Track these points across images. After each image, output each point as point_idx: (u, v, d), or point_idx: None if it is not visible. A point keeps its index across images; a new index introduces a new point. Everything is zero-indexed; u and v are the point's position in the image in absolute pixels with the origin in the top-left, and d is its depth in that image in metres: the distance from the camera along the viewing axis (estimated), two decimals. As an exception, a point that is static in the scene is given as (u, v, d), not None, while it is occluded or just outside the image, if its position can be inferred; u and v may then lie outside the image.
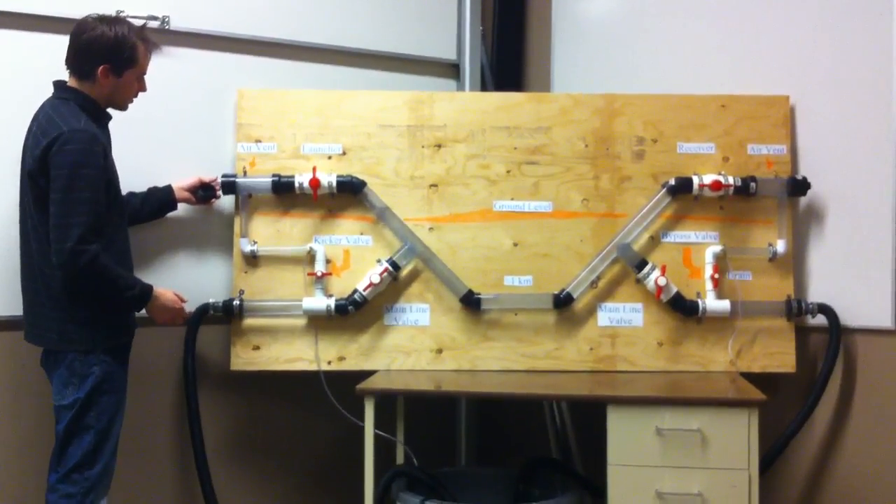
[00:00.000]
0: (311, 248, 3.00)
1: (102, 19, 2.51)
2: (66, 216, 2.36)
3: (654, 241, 3.04)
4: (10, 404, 2.80)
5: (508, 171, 3.09)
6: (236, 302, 2.96)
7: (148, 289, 2.58)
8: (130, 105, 2.64)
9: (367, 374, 2.89)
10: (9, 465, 2.79)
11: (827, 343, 2.90)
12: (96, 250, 2.39)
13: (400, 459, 3.11)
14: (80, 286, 2.44)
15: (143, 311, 2.63)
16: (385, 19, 3.46)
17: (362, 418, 2.68)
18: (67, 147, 2.38)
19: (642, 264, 2.97)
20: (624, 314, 3.02)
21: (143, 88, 2.63)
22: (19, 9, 2.78)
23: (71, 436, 2.47)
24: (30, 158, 2.44)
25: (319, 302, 2.96)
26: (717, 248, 2.99)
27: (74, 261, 2.36)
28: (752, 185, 2.97)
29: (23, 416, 2.81)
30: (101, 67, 2.48)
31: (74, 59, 2.51)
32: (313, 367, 2.96)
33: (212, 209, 3.08)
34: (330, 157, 3.08)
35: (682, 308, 2.97)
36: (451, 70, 3.64)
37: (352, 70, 3.37)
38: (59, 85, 2.55)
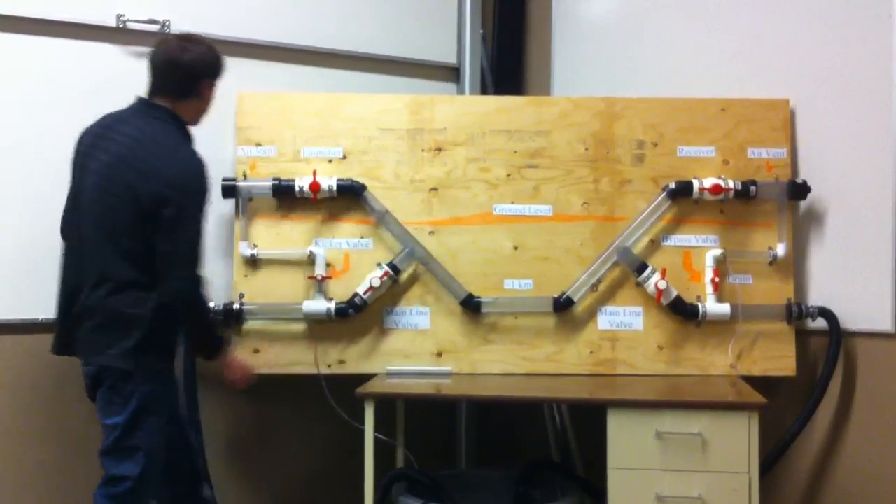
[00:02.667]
0: (311, 252, 3.00)
1: (184, 37, 2.56)
2: (194, 248, 2.46)
3: (655, 244, 3.03)
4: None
5: (508, 175, 3.09)
6: (236, 305, 2.96)
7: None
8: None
9: (368, 377, 2.89)
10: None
11: (827, 346, 2.90)
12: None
13: (400, 462, 3.11)
14: (191, 313, 2.53)
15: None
16: (385, 23, 3.46)
17: (362, 421, 2.67)
18: (196, 184, 2.45)
19: (642, 268, 2.97)
20: (624, 318, 3.02)
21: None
22: (20, 12, 2.80)
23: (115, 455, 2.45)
24: (131, 175, 2.39)
25: (320, 305, 2.96)
26: (718, 252, 2.98)
27: (197, 288, 2.50)
28: (753, 188, 2.97)
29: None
30: (206, 83, 2.55)
31: (178, 80, 2.51)
32: (313, 371, 2.96)
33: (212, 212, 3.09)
34: (330, 161, 3.07)
35: (683, 311, 2.97)
36: (451, 73, 3.64)
37: (352, 73, 3.38)
38: (149, 103, 2.51)
